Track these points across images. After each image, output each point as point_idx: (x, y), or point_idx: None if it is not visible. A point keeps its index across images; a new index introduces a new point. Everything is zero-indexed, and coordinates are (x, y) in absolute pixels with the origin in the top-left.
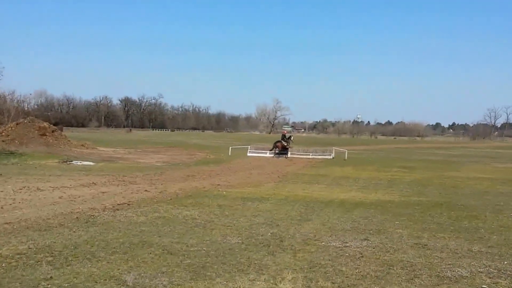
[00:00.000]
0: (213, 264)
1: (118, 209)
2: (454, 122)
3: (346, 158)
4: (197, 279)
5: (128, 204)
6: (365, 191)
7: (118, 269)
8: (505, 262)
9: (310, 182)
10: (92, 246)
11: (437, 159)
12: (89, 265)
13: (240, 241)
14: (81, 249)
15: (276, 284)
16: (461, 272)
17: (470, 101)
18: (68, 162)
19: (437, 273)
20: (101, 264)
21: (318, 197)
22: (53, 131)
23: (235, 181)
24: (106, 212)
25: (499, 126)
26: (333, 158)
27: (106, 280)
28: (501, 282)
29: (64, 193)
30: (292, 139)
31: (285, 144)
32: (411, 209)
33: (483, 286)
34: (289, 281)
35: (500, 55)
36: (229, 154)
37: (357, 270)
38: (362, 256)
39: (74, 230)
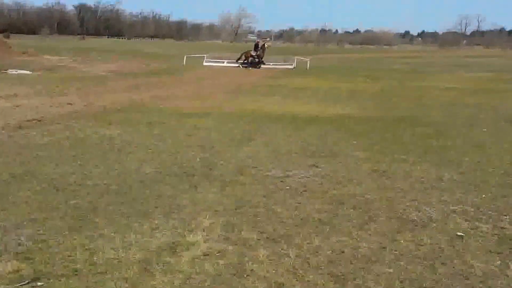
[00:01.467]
0: (109, 205)
1: (22, 127)
2: (423, 30)
3: (308, 67)
4: (76, 230)
5: (39, 121)
6: (323, 104)
7: None
8: (483, 196)
9: (265, 94)
10: None
11: (403, 68)
12: None
13: (158, 170)
14: None
15: (184, 236)
16: (430, 212)
17: (441, 7)
18: (2, 71)
19: (399, 214)
20: None
21: (270, 111)
22: None
23: (182, 93)
24: (5, 131)
25: (469, 34)
26: (294, 68)
27: None
28: (482, 227)
29: None
30: (266, 46)
31: (253, 54)
32: (371, 125)
33: (458, 233)
34: (203, 230)
35: None
36: (184, 63)
37: (296, 212)
38: (306, 190)
39: None
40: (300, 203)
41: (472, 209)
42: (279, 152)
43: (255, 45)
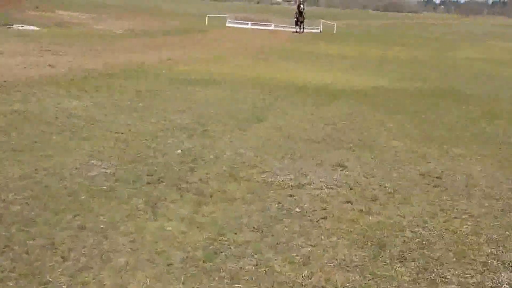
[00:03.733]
0: None
1: None
2: None
3: (335, 32)
4: None
5: None
6: (351, 74)
7: None
8: None
9: (287, 59)
10: None
11: (432, 36)
12: None
13: (110, 170)
14: None
15: None
16: None
17: None
18: (7, 26)
19: (478, 278)
20: None
21: (290, 80)
22: None
23: (196, 55)
24: None
25: (490, 3)
26: (320, 32)
27: None
28: None
29: None
30: (301, 8)
31: (300, 19)
32: (409, 100)
33: None
34: None
35: None
36: (206, 23)
37: (306, 271)
38: (326, 217)
39: None
40: (314, 246)
41: None
42: (294, 140)
43: (298, 6)
